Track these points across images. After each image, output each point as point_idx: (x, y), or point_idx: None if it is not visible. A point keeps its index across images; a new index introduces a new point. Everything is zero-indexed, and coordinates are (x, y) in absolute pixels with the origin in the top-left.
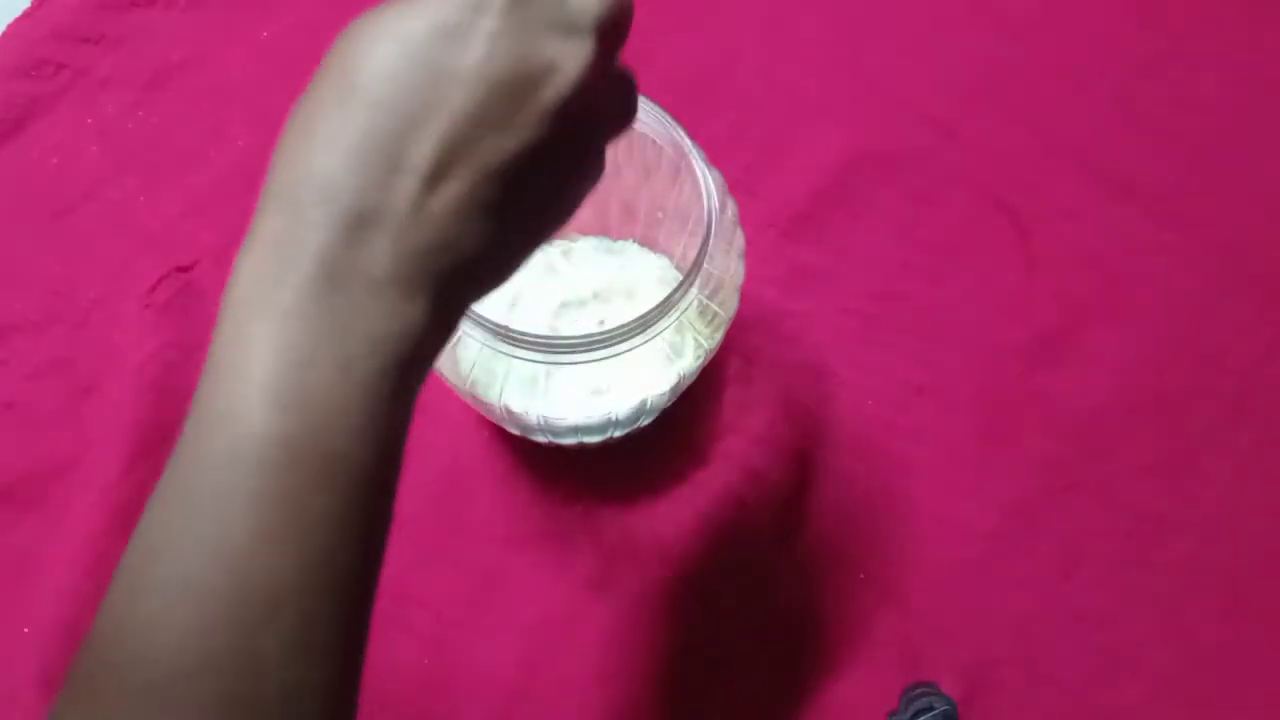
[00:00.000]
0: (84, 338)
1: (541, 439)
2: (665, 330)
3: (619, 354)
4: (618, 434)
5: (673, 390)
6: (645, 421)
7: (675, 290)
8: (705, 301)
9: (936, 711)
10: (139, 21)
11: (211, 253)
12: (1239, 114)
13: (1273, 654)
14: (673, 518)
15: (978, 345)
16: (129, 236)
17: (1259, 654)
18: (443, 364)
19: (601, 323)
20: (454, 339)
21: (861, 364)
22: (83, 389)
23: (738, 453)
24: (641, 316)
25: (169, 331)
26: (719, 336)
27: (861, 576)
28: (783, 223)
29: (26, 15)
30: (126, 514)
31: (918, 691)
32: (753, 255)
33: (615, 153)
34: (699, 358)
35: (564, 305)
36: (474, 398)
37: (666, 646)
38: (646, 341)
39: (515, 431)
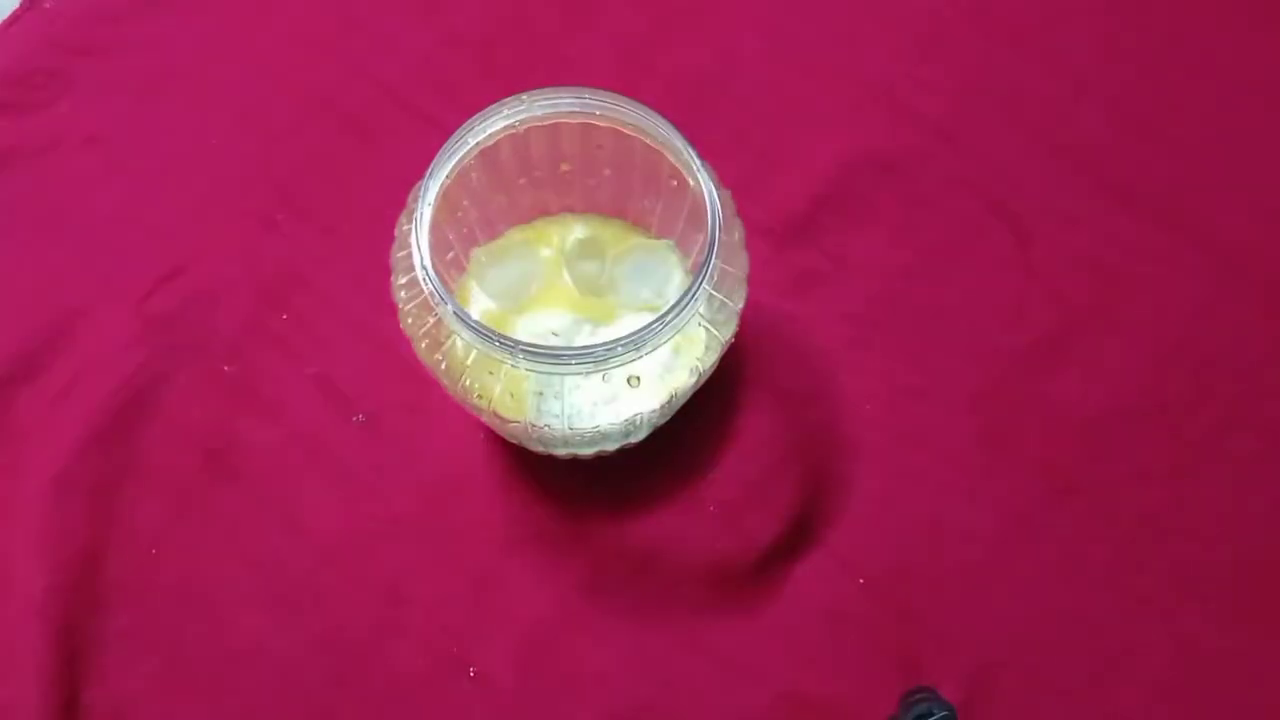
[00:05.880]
0: (71, 345)
1: (534, 448)
2: (661, 348)
3: (611, 369)
4: (610, 448)
5: (665, 408)
6: (637, 438)
7: (668, 311)
8: (704, 324)
9: (936, 717)
10: (132, 31)
11: (204, 261)
12: (1238, 119)
13: (1272, 659)
14: (669, 522)
15: (977, 349)
16: (121, 245)
17: (1258, 659)
18: (437, 366)
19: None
20: (448, 341)
21: (860, 368)
22: (68, 399)
23: (735, 456)
24: (634, 334)
25: (159, 340)
26: (715, 358)
27: (861, 581)
28: (781, 227)
29: (13, 21)
30: (108, 523)
31: (917, 696)
32: (751, 260)
33: (632, 171)
34: (693, 377)
35: (574, 321)
36: (467, 403)
37: (662, 650)
38: (639, 358)
39: (508, 439)
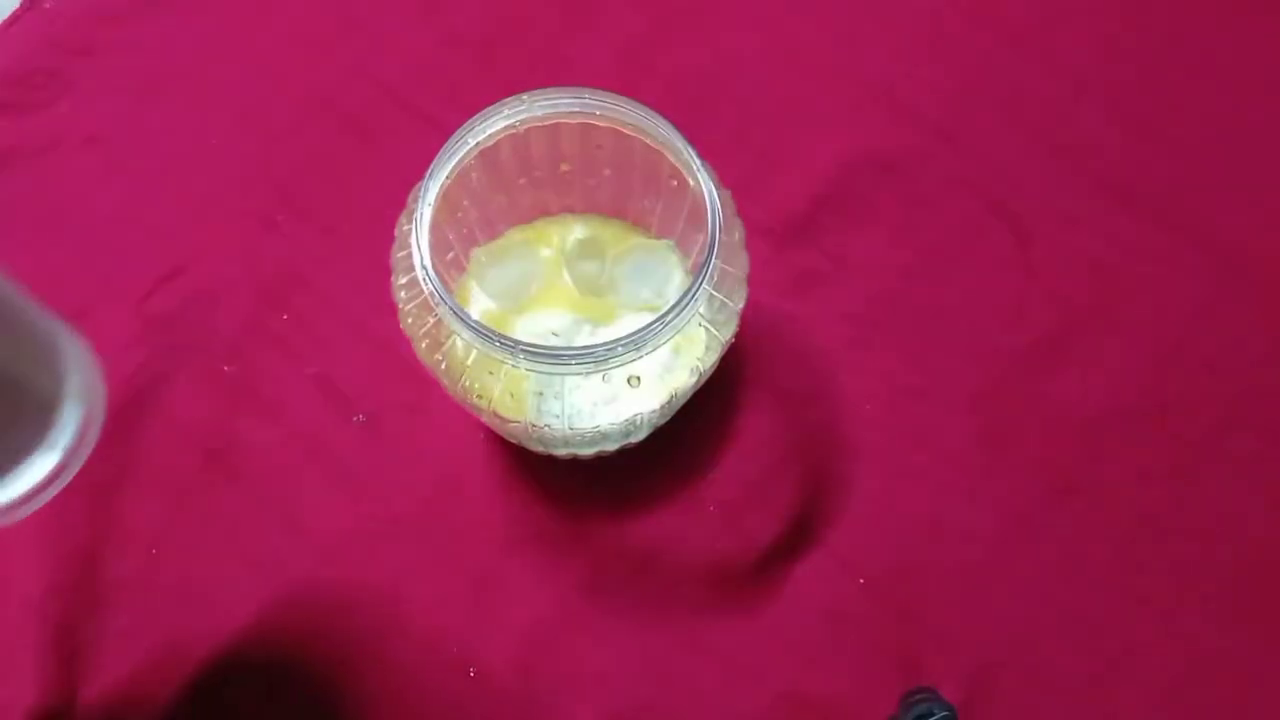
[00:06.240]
0: None
1: (534, 448)
2: (661, 348)
3: (611, 369)
4: (610, 448)
5: (665, 408)
6: (637, 438)
7: (668, 311)
8: (704, 324)
9: (936, 717)
10: (131, 31)
11: (204, 261)
12: (1238, 119)
13: (1272, 659)
14: (669, 522)
15: (977, 349)
16: (121, 245)
17: (1258, 659)
18: (437, 366)
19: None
20: (448, 341)
21: (860, 368)
22: None
23: (735, 456)
24: (634, 334)
25: (159, 340)
26: (715, 358)
27: (861, 581)
28: (781, 228)
29: (13, 22)
30: (108, 523)
31: (917, 696)
32: (751, 260)
33: (632, 171)
34: (693, 377)
35: (574, 320)
36: (467, 403)
37: (662, 650)
38: (639, 358)
39: (508, 439)
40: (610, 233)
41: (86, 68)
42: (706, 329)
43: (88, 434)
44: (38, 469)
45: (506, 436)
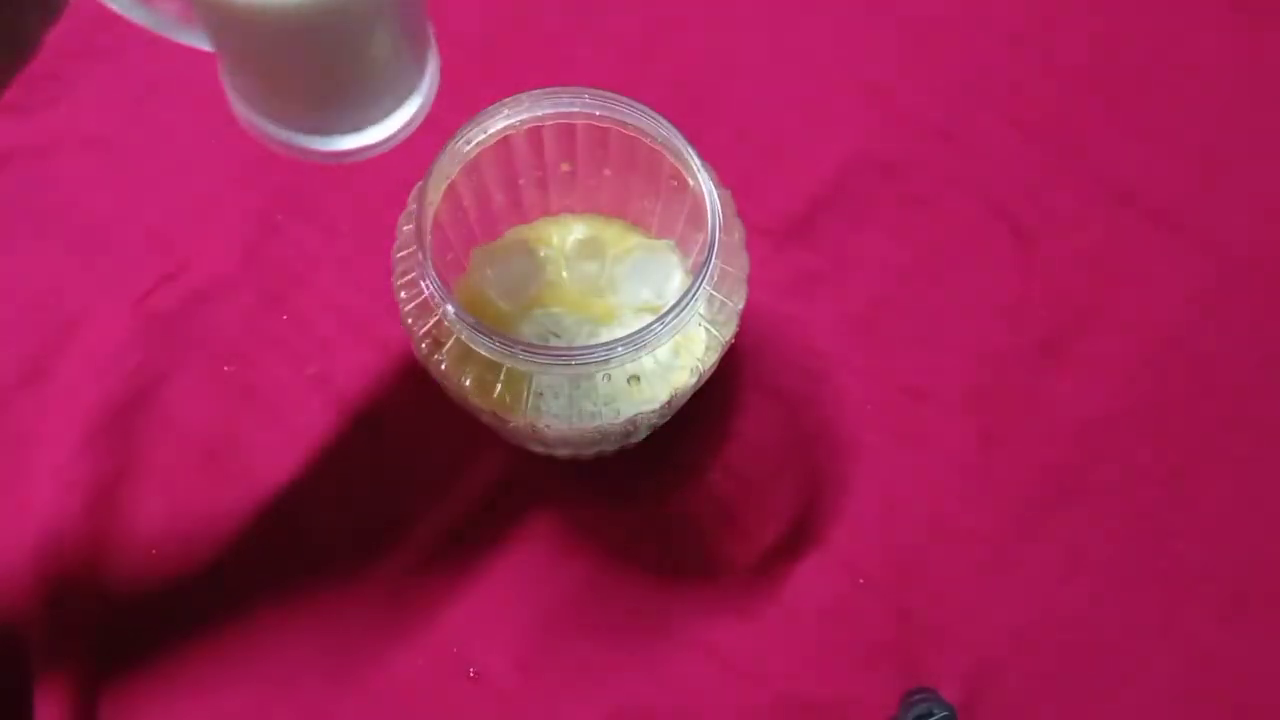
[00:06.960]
0: (71, 345)
1: (534, 448)
2: (661, 348)
3: (611, 369)
4: (610, 448)
5: (665, 408)
6: (637, 438)
7: (668, 311)
8: (704, 324)
9: (936, 717)
10: (132, 30)
11: (204, 261)
12: (1239, 119)
13: (1272, 659)
14: (671, 522)
15: (977, 350)
16: (121, 245)
17: (1260, 659)
18: (437, 366)
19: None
20: (448, 341)
21: (861, 369)
22: (68, 398)
23: (735, 456)
24: (634, 334)
25: (159, 340)
26: (715, 358)
27: (861, 581)
28: (781, 228)
29: None
30: (108, 523)
31: (917, 696)
32: (751, 260)
33: (632, 171)
34: (693, 377)
35: (575, 321)
36: (467, 403)
37: (662, 650)
38: (639, 358)
39: (508, 439)
40: (610, 233)
41: (86, 68)
42: (706, 329)
43: (434, 85)
44: (409, 108)
45: (506, 437)
